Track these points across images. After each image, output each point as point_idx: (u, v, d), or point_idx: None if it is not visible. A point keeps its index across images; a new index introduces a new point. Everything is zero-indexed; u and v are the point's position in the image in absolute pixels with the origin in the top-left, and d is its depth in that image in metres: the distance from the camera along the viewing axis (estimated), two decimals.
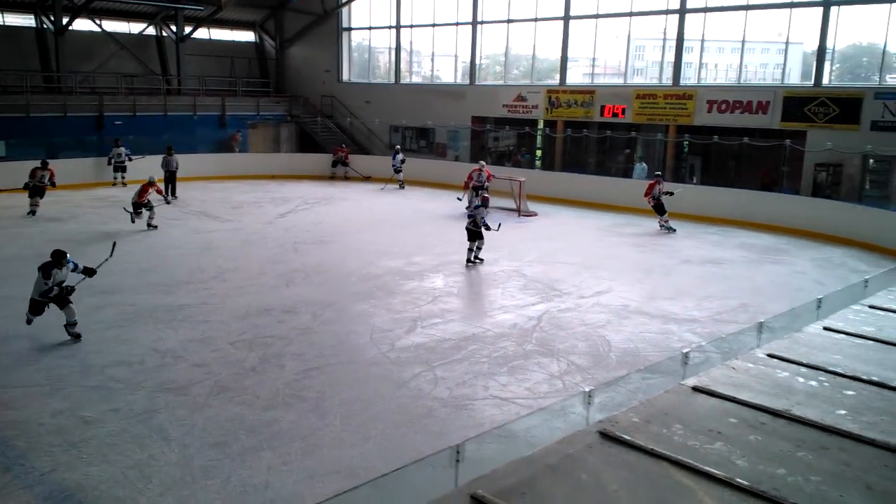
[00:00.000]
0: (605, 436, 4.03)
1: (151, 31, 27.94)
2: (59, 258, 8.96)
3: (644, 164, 21.73)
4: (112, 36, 26.80)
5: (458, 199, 20.62)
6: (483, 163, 19.66)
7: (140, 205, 15.61)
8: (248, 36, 31.01)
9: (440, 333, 9.59)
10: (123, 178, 21.65)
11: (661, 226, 17.08)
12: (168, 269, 12.69)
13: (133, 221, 15.62)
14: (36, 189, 17.01)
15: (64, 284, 9.03)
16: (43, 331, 9.21)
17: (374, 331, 9.67)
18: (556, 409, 6.86)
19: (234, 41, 30.66)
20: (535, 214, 18.96)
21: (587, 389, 6.10)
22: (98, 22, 26.48)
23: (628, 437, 3.99)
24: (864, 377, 4.82)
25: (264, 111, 27.84)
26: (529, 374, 8.29)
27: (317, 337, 9.41)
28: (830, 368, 4.94)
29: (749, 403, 4.40)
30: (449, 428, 6.86)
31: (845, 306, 6.44)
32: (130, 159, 21.57)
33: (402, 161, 23.01)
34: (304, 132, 28.47)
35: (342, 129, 28.37)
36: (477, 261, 13.40)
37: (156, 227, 15.81)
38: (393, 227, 17.03)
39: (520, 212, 18.90)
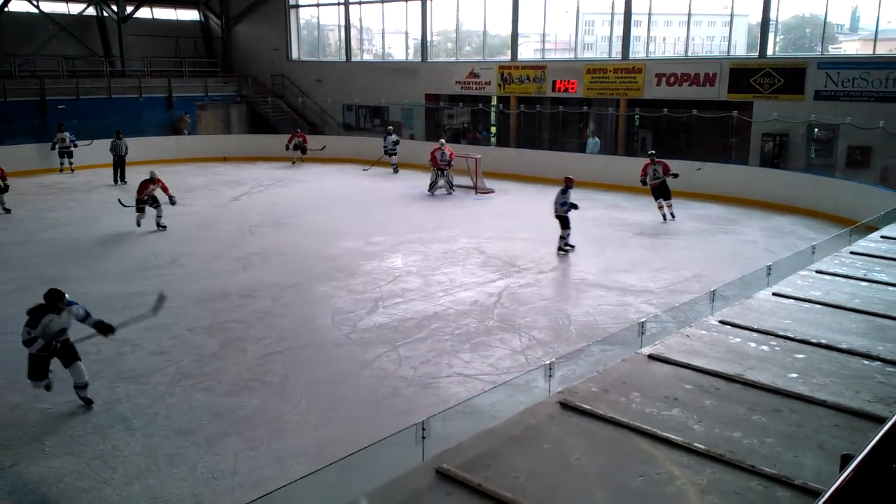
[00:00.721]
0: (566, 406, 4.13)
1: (91, 11, 27.02)
2: (53, 300, 6.81)
3: (597, 139, 21.96)
4: (51, 17, 25.86)
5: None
6: (443, 141, 19.64)
7: (142, 201, 14.18)
8: (192, 14, 30.20)
9: (402, 313, 9.64)
10: (71, 163, 21.07)
11: (663, 215, 15.39)
12: (119, 256, 12.47)
13: (139, 224, 14.22)
14: None
15: (63, 337, 6.99)
16: None
17: (336, 312, 9.66)
18: (519, 383, 6.98)
19: (178, 20, 29.83)
20: (492, 191, 19.05)
21: (548, 362, 6.23)
22: (35, 3, 25.53)
23: (588, 407, 4.10)
24: (814, 340, 5.01)
25: (213, 92, 27.25)
26: (492, 350, 8.40)
27: (277, 320, 9.37)
28: (781, 333, 5.13)
29: (703, 369, 4.54)
30: (414, 406, 6.93)
31: (794, 272, 6.66)
32: (76, 145, 20.97)
33: (396, 143, 22.26)
34: (256, 113, 27.97)
35: (294, 108, 27.95)
36: (568, 248, 12.74)
37: (165, 227, 14.26)
38: (349, 208, 16.95)
39: (476, 189, 18.97)
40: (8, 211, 15.80)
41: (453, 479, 3.47)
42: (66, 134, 21.01)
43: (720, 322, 5.39)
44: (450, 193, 18.61)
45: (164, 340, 8.61)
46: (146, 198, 14.20)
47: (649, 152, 16.18)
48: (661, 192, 15.44)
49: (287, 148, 23.68)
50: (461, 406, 6.32)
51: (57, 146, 20.93)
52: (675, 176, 15.33)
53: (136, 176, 19.91)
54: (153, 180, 14.28)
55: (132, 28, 26.93)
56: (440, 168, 18.58)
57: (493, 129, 25.46)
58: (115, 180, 19.70)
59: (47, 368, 6.89)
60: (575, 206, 12.79)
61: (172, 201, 14.40)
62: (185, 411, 6.84)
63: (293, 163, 23.57)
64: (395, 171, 22.15)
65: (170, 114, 25.73)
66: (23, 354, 8.11)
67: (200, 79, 27.44)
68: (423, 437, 4.55)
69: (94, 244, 13.23)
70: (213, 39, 30.28)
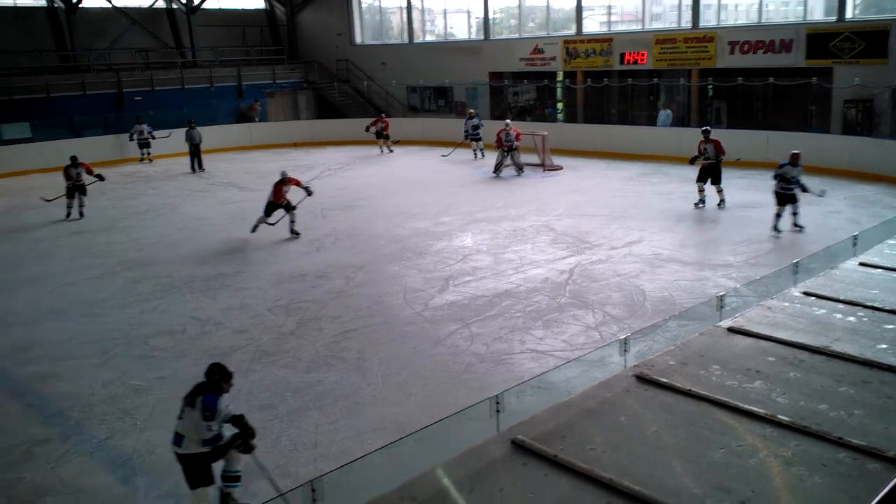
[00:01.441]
0: (642, 379, 4.08)
1: (161, 3, 27.80)
2: (224, 377, 5.23)
3: (669, 111, 21.38)
4: (123, 11, 26.75)
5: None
6: (509, 121, 19.08)
7: (276, 205, 12.65)
8: (257, 3, 30.73)
9: (473, 291, 9.68)
10: (149, 153, 21.75)
11: (701, 199, 13.89)
12: (200, 240, 12.92)
13: (271, 223, 12.78)
14: (74, 188, 14.96)
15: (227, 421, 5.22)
16: (89, 306, 9.48)
17: (407, 291, 9.78)
18: (593, 358, 6.95)
19: (244, 9, 30.40)
20: (560, 168, 18.83)
21: (623, 337, 6.16)
22: None
23: (665, 380, 4.04)
24: None
25: (280, 79, 27.75)
26: (565, 326, 8.36)
27: (351, 300, 9.56)
28: (868, 303, 4.93)
29: (787, 342, 4.41)
30: (488, 382, 6.97)
31: (881, 242, 6.38)
32: (154, 137, 21.61)
33: (476, 127, 20.74)
34: (323, 98, 28.37)
35: (360, 92, 28.23)
36: (797, 227, 11.85)
37: (298, 234, 12.74)
38: (416, 190, 17.05)
39: (544, 166, 18.78)
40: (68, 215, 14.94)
41: (528, 450, 3.48)
42: (144, 126, 21.67)
43: (804, 293, 5.22)
44: (519, 175, 18.15)
45: (244, 320, 8.91)
46: (283, 202, 12.64)
47: (703, 129, 14.25)
48: (710, 174, 13.73)
49: (367, 129, 22.90)
50: (535, 381, 6.36)
51: (135, 138, 21.63)
52: (738, 160, 14.00)
53: (212, 164, 20.62)
54: (284, 181, 12.72)
55: (201, 19, 27.63)
56: (506, 149, 18.09)
57: (560, 106, 25.10)
58: (193, 168, 20.35)
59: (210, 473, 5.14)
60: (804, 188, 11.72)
61: (309, 192, 13.06)
62: (267, 387, 7.08)
63: (382, 151, 22.63)
64: (481, 156, 20.68)
65: (240, 102, 26.36)
66: (115, 335, 8.56)
67: (268, 66, 27.99)
68: (498, 411, 4.59)
69: (175, 230, 13.74)
70: (279, 27, 30.78)
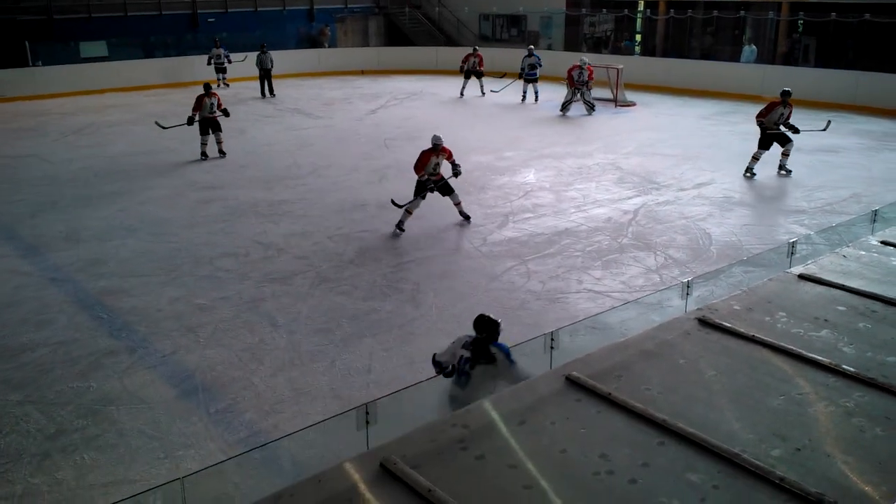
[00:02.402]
0: (704, 323, 3.95)
1: None
2: (493, 330, 4.81)
3: (753, 47, 20.27)
4: None
5: (493, 90, 19.42)
6: (585, 59, 17.53)
7: (426, 184, 9.57)
8: None
9: (532, 228, 9.56)
10: (225, 78, 21.66)
11: (749, 168, 11.90)
12: (266, 165, 13.07)
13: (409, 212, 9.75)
14: (207, 122, 13.14)
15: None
16: (158, 225, 9.78)
17: (466, 226, 9.72)
18: (652, 301, 6.81)
19: None
20: (634, 104, 18.20)
21: (685, 281, 5.98)
22: None
23: (728, 325, 3.89)
24: None
25: (352, 3, 27.37)
26: (625, 268, 8.19)
27: (410, 231, 9.56)
28: None
29: (859, 291, 4.18)
30: (543, 320, 6.92)
31: None
32: (230, 61, 21.52)
33: (534, 66, 18.71)
34: (393, 24, 27.94)
35: (430, 19, 27.66)
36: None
37: (469, 217, 9.92)
38: (482, 122, 16.79)
39: (616, 102, 18.18)
40: (223, 154, 13.55)
41: (583, 386, 3.43)
42: (221, 50, 21.48)
43: (881, 242, 4.92)
44: (590, 114, 17.14)
45: (306, 246, 9.04)
46: (425, 176, 9.54)
47: (784, 90, 11.84)
48: (775, 142, 11.77)
49: (462, 69, 19.97)
50: (590, 321, 6.28)
51: (213, 62, 21.48)
52: (796, 131, 11.72)
53: (280, 90, 20.66)
54: (438, 149, 9.52)
55: None
56: (577, 88, 17.00)
57: (638, 38, 24.08)
58: (263, 93, 20.47)
59: None
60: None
61: (456, 172, 9.77)
62: (325, 312, 7.21)
63: (483, 93, 19.91)
64: (534, 101, 18.89)
65: (311, 27, 26.22)
66: (182, 255, 8.83)
67: None
68: (553, 347, 4.54)
69: (242, 153, 13.93)
70: None
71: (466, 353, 4.81)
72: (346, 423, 3.71)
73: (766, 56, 20.20)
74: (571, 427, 3.16)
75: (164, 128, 13.66)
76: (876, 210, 5.74)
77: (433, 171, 9.50)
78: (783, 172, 11.84)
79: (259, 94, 20.41)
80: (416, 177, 9.54)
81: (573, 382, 3.43)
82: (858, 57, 18.73)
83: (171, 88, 20.99)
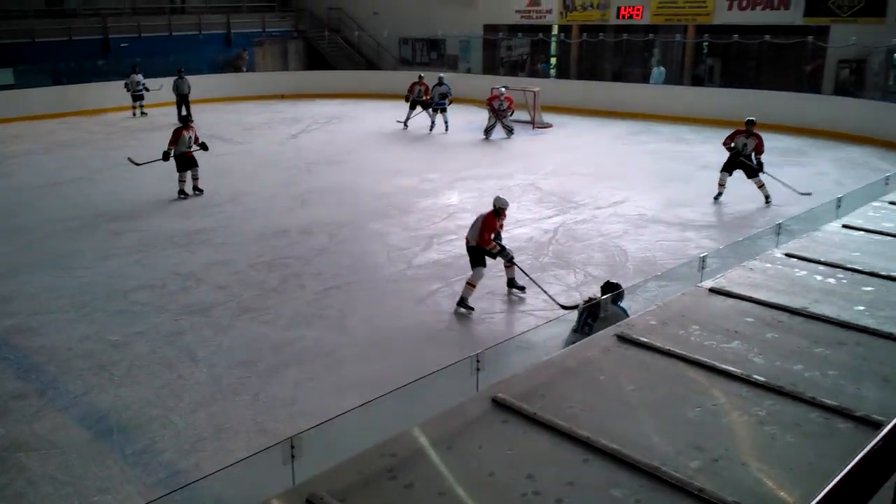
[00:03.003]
0: (623, 339, 4.06)
1: None
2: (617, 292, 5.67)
3: (662, 69, 21.13)
4: None
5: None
6: (504, 88, 17.50)
7: (485, 253, 7.96)
8: None
9: (457, 249, 9.60)
10: (142, 106, 20.83)
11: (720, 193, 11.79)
12: None
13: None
14: (185, 158, 12.18)
15: None
16: (67, 259, 9.36)
17: (391, 249, 9.71)
18: (574, 318, 6.94)
19: None
20: (550, 126, 18.65)
21: (604, 297, 6.13)
22: None
23: (645, 340, 4.01)
24: (883, 273, 4.78)
25: (270, 27, 27.11)
26: (547, 286, 8.32)
27: (334, 256, 9.48)
28: (849, 265, 4.89)
29: (766, 302, 4.38)
30: (469, 340, 6.97)
31: (865, 204, 6.33)
32: (147, 89, 20.68)
33: (445, 95, 18.03)
34: (312, 48, 27.81)
35: (350, 43, 27.68)
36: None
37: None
38: (404, 146, 16.86)
39: (534, 124, 18.59)
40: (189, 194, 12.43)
41: (509, 407, 3.47)
42: (139, 76, 20.52)
43: (785, 255, 5.18)
44: (509, 137, 17.38)
45: (226, 275, 8.82)
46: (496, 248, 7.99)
47: (748, 119, 11.75)
48: (744, 168, 11.68)
49: (407, 100, 18.66)
50: (515, 340, 6.36)
51: (130, 89, 20.55)
52: (760, 167, 11.52)
53: (197, 115, 20.20)
54: (501, 211, 8.18)
55: None
56: (496, 113, 17.22)
57: (554, 61, 24.75)
58: (180, 119, 19.89)
59: None
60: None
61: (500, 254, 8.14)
62: (247, 343, 7.04)
63: (432, 126, 18.29)
64: (444, 130, 18.04)
65: (228, 51, 25.81)
66: (94, 289, 8.47)
67: (258, 14, 27.30)
68: (478, 369, 4.56)
69: (158, 182, 13.51)
70: None
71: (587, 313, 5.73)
72: (271, 459, 3.62)
73: (675, 77, 21.08)
74: (499, 449, 3.18)
75: (137, 164, 12.81)
76: (780, 223, 6.04)
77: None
78: (767, 204, 11.49)
79: (176, 121, 19.86)
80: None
81: (499, 404, 3.47)
82: (760, 76, 19.78)
83: (82, 116, 20.25)
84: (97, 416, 5.83)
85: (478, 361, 4.61)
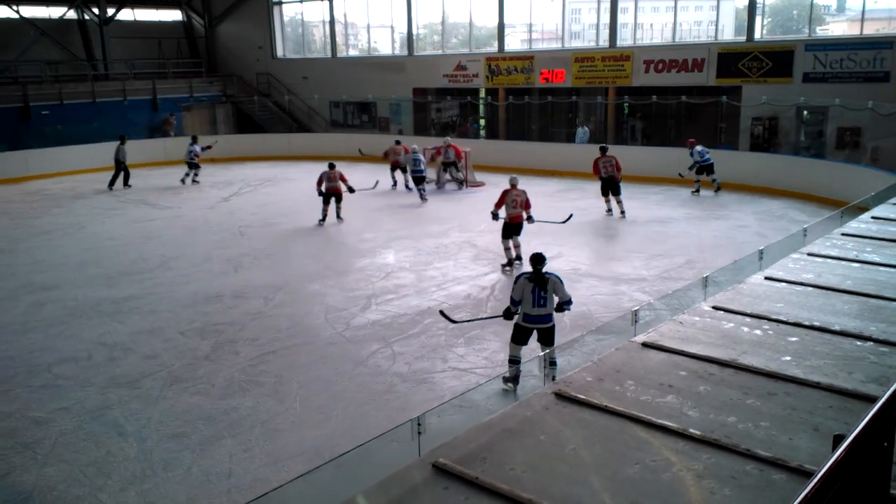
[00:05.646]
0: (561, 396, 4.10)
1: (73, 14, 26.77)
2: (543, 261, 7.27)
3: (586, 128, 21.92)
4: (31, 22, 25.62)
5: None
6: (449, 139, 18.46)
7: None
8: (174, 15, 30.01)
9: (395, 309, 9.59)
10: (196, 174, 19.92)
11: (609, 209, 15.00)
12: (109, 260, 12.36)
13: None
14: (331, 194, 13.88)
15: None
16: None
17: (329, 311, 9.61)
18: (515, 375, 6.97)
19: (160, 21, 29.65)
20: (483, 184, 18.99)
21: (542, 354, 6.20)
22: (15, 8, 25.30)
23: (583, 396, 4.07)
24: (806, 323, 5.00)
25: (198, 92, 27.06)
26: (486, 343, 8.36)
27: (270, 321, 9.31)
28: (773, 316, 5.11)
29: (697, 355, 4.52)
30: (410, 402, 6.89)
31: (785, 256, 6.65)
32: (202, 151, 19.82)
33: (418, 161, 17.27)
34: (242, 112, 27.82)
35: (281, 107, 27.81)
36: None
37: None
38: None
39: (467, 182, 18.91)
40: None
41: (450, 472, 3.45)
42: (197, 147, 19.83)
43: (713, 308, 5.37)
44: (460, 189, 18.42)
45: (155, 344, 8.54)
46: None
47: (600, 146, 15.50)
48: (610, 188, 14.81)
49: (386, 156, 18.92)
50: (457, 400, 6.29)
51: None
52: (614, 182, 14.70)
53: (137, 179, 19.78)
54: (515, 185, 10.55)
55: (114, 30, 26.73)
56: (446, 166, 18.44)
57: (482, 122, 25.39)
58: (112, 185, 19.31)
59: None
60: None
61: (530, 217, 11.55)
62: (179, 415, 6.78)
63: (409, 188, 18.33)
64: (424, 201, 17.06)
65: (155, 116, 25.53)
66: (14, 364, 8.07)
67: (185, 80, 27.25)
68: (420, 433, 4.52)
69: (82, 250, 13.12)
70: (197, 39, 30.09)
71: (531, 286, 6.97)
72: None
73: (599, 137, 21.88)
74: None
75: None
76: (707, 276, 6.26)
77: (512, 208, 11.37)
78: (621, 216, 14.75)
79: (107, 187, 19.25)
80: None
81: (441, 469, 3.45)
82: (680, 135, 20.72)
83: (2, 185, 19.57)
84: (19, 497, 5.49)
85: (419, 425, 4.57)
